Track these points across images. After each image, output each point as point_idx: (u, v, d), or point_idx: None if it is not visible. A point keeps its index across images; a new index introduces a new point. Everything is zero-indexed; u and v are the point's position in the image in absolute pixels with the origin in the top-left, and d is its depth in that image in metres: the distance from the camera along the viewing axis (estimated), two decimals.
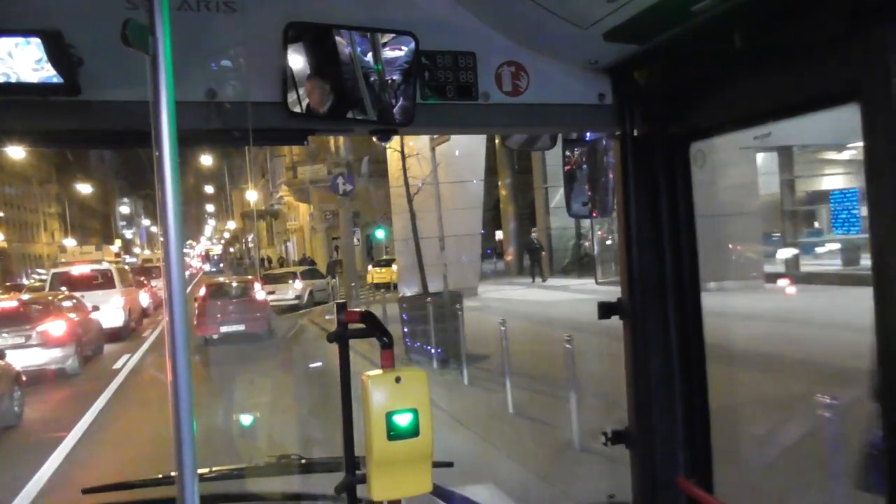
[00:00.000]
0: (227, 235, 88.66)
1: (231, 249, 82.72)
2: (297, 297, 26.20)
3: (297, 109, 1.56)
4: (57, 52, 1.36)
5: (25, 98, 1.39)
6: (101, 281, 20.13)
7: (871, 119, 1.21)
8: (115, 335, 18.48)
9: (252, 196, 52.23)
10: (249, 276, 23.43)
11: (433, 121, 1.74)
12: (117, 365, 14.76)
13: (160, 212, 0.97)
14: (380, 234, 29.57)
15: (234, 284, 19.59)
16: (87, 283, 19.97)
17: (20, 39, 1.35)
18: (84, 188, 63.20)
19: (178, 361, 0.96)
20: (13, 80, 1.35)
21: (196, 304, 17.71)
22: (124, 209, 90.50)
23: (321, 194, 43.07)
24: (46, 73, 1.36)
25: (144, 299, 25.49)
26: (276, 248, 62.44)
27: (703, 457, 1.90)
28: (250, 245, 71.48)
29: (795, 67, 1.40)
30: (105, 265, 22.17)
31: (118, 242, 71.51)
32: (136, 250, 71.13)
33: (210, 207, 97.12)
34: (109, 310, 18.69)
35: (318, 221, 44.15)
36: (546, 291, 22.66)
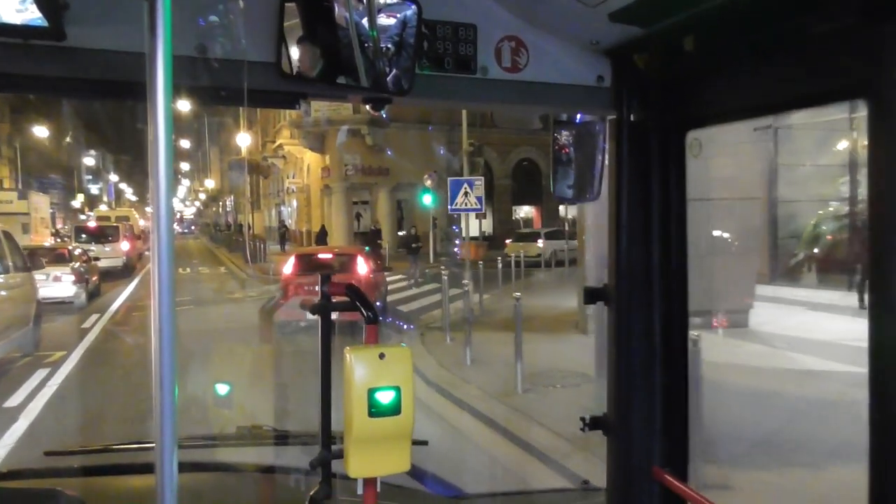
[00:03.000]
0: (203, 196, 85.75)
1: (211, 212, 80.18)
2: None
3: (289, 71, 1.52)
4: None
5: (6, 40, 1.33)
6: (110, 233, 29.01)
7: (879, 116, 1.19)
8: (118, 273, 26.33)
9: (244, 140, 40.83)
10: (355, 247, 20.11)
11: (429, 92, 1.69)
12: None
13: (152, 167, 0.97)
14: (427, 199, 25.04)
15: (335, 257, 16.02)
16: (99, 234, 28.78)
17: None
18: (41, 131, 55.89)
19: (163, 326, 0.96)
20: None
21: (282, 281, 14.76)
22: (89, 162, 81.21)
23: (343, 141, 31.98)
24: (30, 14, 1.30)
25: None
26: (264, 214, 50.95)
27: (680, 447, 1.90)
28: (228, 209, 65.72)
29: (801, 60, 1.40)
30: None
31: (80, 197, 68.28)
32: (103, 207, 64.25)
33: (185, 165, 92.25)
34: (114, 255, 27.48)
35: (335, 178, 33.13)
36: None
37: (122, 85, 1.44)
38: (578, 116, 1.99)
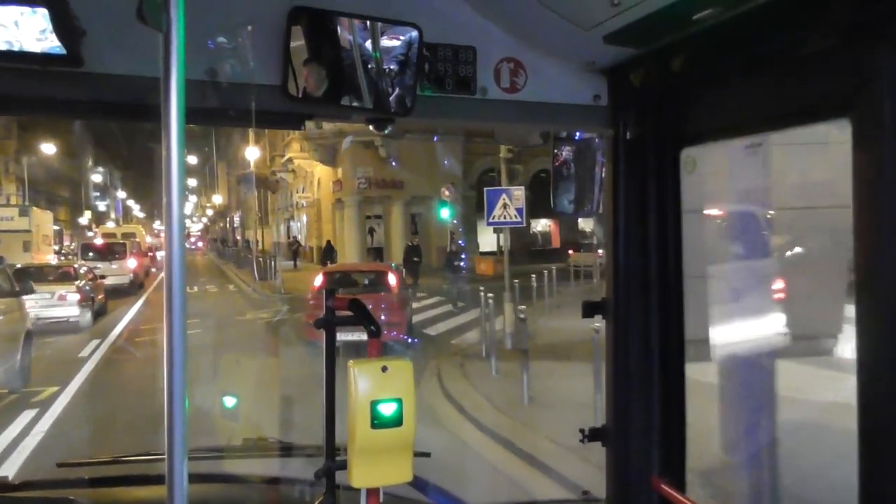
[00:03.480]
0: (210, 212, 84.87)
1: (218, 227, 79.09)
2: None
3: (295, 93, 1.58)
4: (62, 22, 1.37)
5: (27, 67, 1.41)
6: (117, 251, 27.63)
7: (861, 135, 1.24)
8: (124, 291, 25.15)
9: (252, 154, 39.37)
10: (384, 264, 20.07)
11: (430, 113, 1.76)
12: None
13: (165, 187, 0.99)
14: (444, 213, 23.80)
15: (364, 273, 15.58)
16: (105, 251, 27.53)
17: (26, 9, 1.35)
18: (48, 148, 56.19)
19: (174, 339, 0.98)
20: (16, 48, 1.36)
21: (309, 299, 13.94)
22: (97, 178, 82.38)
23: (355, 154, 30.67)
24: (50, 43, 1.37)
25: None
26: (273, 230, 49.43)
27: (678, 457, 1.94)
28: (235, 226, 64.73)
29: (789, 79, 1.45)
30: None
31: (88, 214, 68.74)
32: (111, 224, 66.14)
33: (192, 181, 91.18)
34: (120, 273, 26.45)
35: (347, 192, 31.73)
36: None
37: (136, 108, 1.51)
38: (577, 133, 2.07)
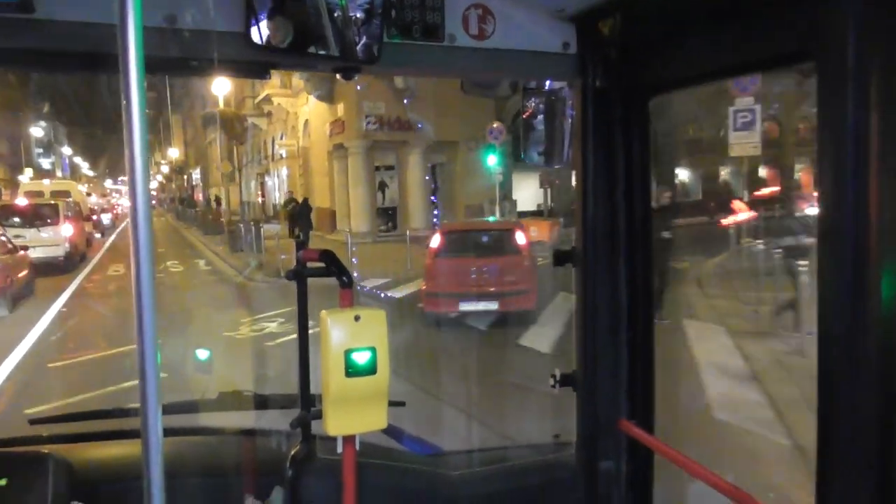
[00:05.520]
0: (165, 169, 79.82)
1: (175, 186, 75.16)
2: None
3: (259, 41, 1.53)
4: None
5: None
6: (47, 214, 21.20)
7: (825, 79, 1.26)
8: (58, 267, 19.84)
9: (222, 87, 31.34)
10: (511, 221, 16.65)
11: (398, 61, 1.76)
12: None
13: (127, 141, 0.96)
14: (491, 160, 19.02)
15: (486, 232, 13.43)
16: (31, 216, 21.24)
17: None
18: None
19: (143, 292, 0.96)
20: None
21: (426, 264, 12.31)
22: (38, 133, 74.99)
23: (363, 85, 23.43)
24: None
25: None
26: (241, 187, 41.64)
27: (645, 400, 2.04)
28: (195, 183, 60.77)
29: (754, 24, 1.48)
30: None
31: (29, 172, 59.97)
32: (46, 183, 56.24)
33: None
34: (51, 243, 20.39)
35: (352, 135, 24.71)
36: None
37: (92, 57, 1.47)
38: (547, 84, 2.07)
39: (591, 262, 1.98)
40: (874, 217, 1.17)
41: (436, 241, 12.78)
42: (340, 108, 27.68)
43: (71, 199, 25.81)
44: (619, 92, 1.90)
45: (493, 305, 11.19)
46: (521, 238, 12.57)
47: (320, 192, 29.59)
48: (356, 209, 26.41)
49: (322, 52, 1.56)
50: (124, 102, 0.94)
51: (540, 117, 2.06)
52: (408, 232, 20.78)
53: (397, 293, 14.52)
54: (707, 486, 1.61)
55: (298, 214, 24.75)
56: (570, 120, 2.02)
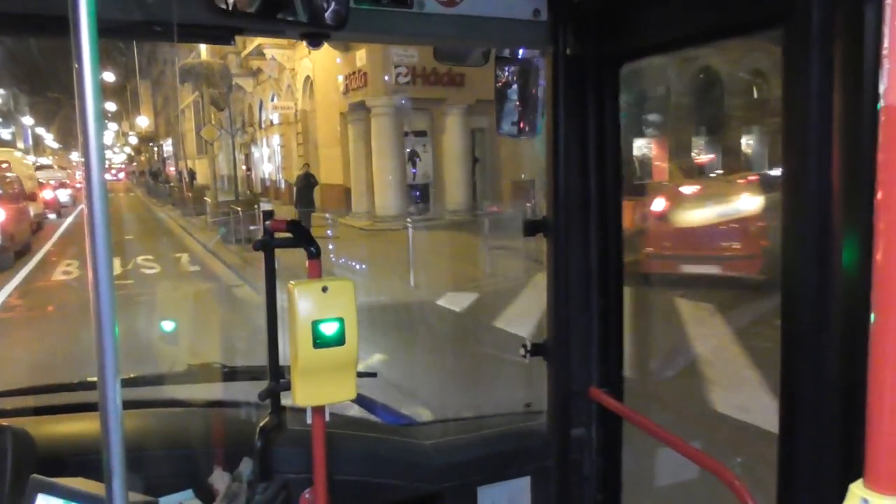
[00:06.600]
0: (134, 140, 76.39)
1: (144, 158, 71.85)
2: None
3: (224, 5, 1.49)
4: None
5: None
6: None
7: (792, 45, 1.27)
8: None
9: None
10: (741, 180, 14.78)
11: (366, 27, 1.73)
12: None
13: (80, 112, 0.91)
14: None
15: (716, 196, 13.15)
16: None
17: None
18: None
19: (99, 262, 0.92)
20: None
21: (648, 225, 12.32)
22: None
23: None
24: None
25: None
26: (219, 159, 35.68)
27: (615, 369, 2.09)
28: (166, 156, 57.19)
29: None
30: None
31: None
32: (17, 154, 51.76)
33: (111, 106, 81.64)
34: None
35: (375, 90, 19.23)
36: None
37: (44, 20, 1.44)
38: (520, 53, 2.07)
39: (562, 231, 2.00)
40: (837, 181, 1.19)
41: (659, 203, 12.56)
42: (360, 57, 21.20)
43: (6, 174, 19.56)
44: (590, 60, 1.93)
45: (714, 268, 11.22)
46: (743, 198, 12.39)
47: (327, 164, 23.81)
48: (381, 186, 20.60)
49: (290, 18, 1.53)
50: (76, 66, 0.89)
51: (514, 87, 2.06)
52: (486, 220, 15.71)
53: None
54: (674, 451, 1.67)
55: (297, 191, 19.56)
56: (543, 90, 2.03)
